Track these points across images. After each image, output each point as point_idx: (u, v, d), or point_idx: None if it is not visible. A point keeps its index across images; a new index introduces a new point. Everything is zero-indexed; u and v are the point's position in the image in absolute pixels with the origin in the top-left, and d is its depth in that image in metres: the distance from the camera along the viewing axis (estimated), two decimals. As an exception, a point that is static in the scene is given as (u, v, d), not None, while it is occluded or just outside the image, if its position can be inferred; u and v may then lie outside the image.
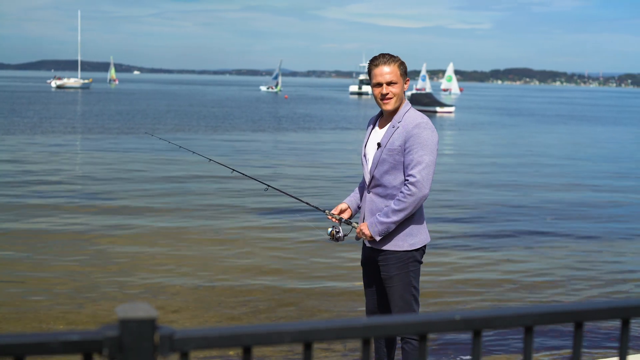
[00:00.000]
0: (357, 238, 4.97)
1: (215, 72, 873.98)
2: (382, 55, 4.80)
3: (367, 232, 4.73)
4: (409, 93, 70.02)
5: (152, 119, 41.88)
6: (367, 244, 4.90)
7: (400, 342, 4.93)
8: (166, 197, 15.37)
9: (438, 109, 63.46)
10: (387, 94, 4.73)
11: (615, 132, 44.85)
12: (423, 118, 4.74)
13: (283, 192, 5.74)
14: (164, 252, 10.68)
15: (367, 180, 4.87)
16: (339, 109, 65.95)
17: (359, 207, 5.17)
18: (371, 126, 5.02)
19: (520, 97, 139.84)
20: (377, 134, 4.89)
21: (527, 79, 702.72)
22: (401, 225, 4.73)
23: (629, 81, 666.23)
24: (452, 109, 64.05)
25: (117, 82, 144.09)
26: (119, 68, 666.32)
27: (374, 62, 4.78)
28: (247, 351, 1.35)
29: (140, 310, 1.28)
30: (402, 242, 4.75)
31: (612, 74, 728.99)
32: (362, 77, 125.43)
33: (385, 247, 4.77)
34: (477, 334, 1.46)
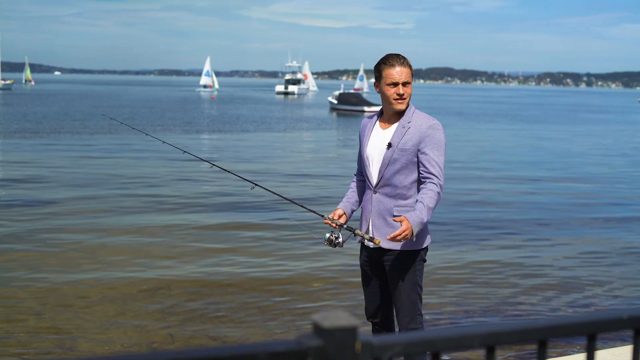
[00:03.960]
0: (361, 241, 4.94)
1: (137, 73, 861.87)
2: (396, 55, 4.80)
3: (409, 233, 4.38)
4: (336, 93, 70.39)
5: (81, 121, 41.06)
6: (372, 245, 4.86)
7: None
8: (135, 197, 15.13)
9: (366, 108, 64.15)
10: (403, 94, 4.75)
11: (554, 130, 45.89)
12: (434, 119, 4.78)
13: (280, 196, 5.65)
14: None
15: (374, 180, 4.83)
16: (269, 109, 65.82)
17: (352, 212, 5.15)
18: (370, 127, 4.98)
19: (445, 96, 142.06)
20: (382, 134, 4.86)
21: (449, 78, 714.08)
22: None
23: (548, 80, 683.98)
24: (379, 108, 64.44)
25: (32, 82, 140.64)
26: (39, 69, 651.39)
27: (388, 62, 4.77)
28: (435, 356, 1.34)
29: (342, 318, 1.26)
30: (412, 242, 4.74)
31: (531, 73, 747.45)
32: (288, 76, 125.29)
33: (395, 247, 4.76)
34: (638, 333, 1.48)
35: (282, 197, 5.56)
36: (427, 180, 4.63)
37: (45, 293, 8.75)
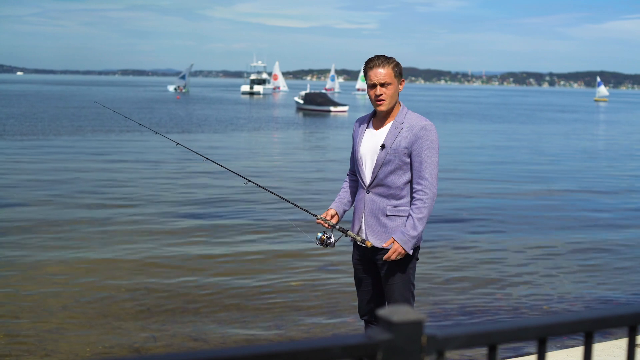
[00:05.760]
0: (356, 242, 4.99)
1: (100, 73, 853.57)
2: (377, 57, 4.86)
3: (402, 251, 4.72)
4: (302, 93, 70.39)
5: (48, 122, 40.61)
6: (364, 244, 4.91)
7: None
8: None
9: (332, 108, 64.21)
10: (381, 95, 4.80)
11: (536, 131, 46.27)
12: (427, 120, 4.83)
13: (272, 193, 5.66)
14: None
15: (367, 180, 4.89)
16: (237, 109, 65.57)
17: (344, 212, 5.20)
18: (363, 127, 5.03)
19: (410, 96, 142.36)
20: (375, 134, 4.91)
21: (413, 78, 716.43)
22: (404, 225, 4.78)
23: (511, 79, 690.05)
24: (345, 108, 64.97)
25: None
26: (0, 69, 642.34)
27: (369, 64, 4.85)
28: (492, 349, 1.40)
29: (410, 313, 1.32)
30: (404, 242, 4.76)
31: (494, 73, 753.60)
32: (253, 76, 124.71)
33: (387, 246, 4.80)
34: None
35: (275, 194, 5.57)
36: (417, 186, 4.74)
37: (24, 295, 8.69)
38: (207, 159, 6.16)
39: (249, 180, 5.68)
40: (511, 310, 8.54)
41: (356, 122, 5.17)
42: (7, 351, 6.99)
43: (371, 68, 4.83)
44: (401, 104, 4.93)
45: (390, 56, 4.90)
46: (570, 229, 13.55)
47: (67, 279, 9.38)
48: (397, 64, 4.87)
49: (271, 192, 5.57)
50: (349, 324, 7.92)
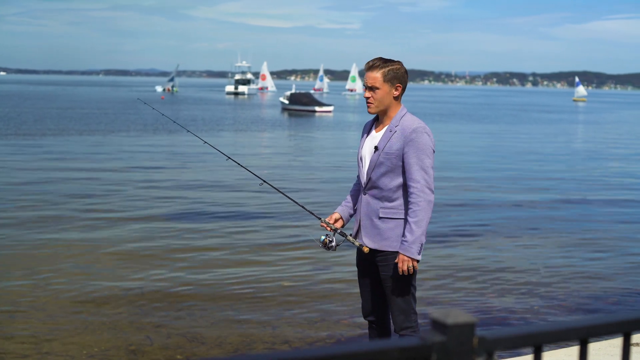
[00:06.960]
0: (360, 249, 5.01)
1: (83, 73, 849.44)
2: (373, 59, 4.89)
3: (406, 259, 4.71)
4: (288, 93, 70.42)
5: (33, 123, 40.38)
6: (362, 249, 4.95)
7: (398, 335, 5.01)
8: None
9: (317, 108, 64.24)
10: (369, 98, 4.87)
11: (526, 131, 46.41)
12: (420, 123, 4.84)
13: (281, 192, 5.68)
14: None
15: (364, 182, 4.95)
16: (222, 110, 65.46)
17: (350, 216, 5.23)
18: (367, 129, 5.09)
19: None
20: (374, 137, 4.96)
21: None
22: (396, 227, 4.83)
23: (494, 79, 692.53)
24: (330, 108, 65.07)
25: None
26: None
27: (366, 65, 4.92)
28: (538, 350, 1.46)
29: (462, 315, 1.37)
30: (397, 243, 4.81)
31: (478, 73, 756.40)
32: (237, 76, 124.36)
33: (384, 248, 4.86)
34: None
35: (287, 196, 5.59)
36: (410, 189, 4.74)
37: (17, 297, 8.68)
38: (229, 158, 6.22)
39: (265, 181, 5.74)
40: (502, 310, 8.60)
41: (365, 125, 5.22)
42: (2, 353, 6.98)
43: (366, 70, 4.92)
44: (402, 106, 4.96)
45: (391, 59, 4.93)
46: (560, 229, 13.65)
47: (62, 281, 9.37)
48: (391, 69, 4.85)
49: (285, 195, 5.58)
50: (344, 325, 7.96)
